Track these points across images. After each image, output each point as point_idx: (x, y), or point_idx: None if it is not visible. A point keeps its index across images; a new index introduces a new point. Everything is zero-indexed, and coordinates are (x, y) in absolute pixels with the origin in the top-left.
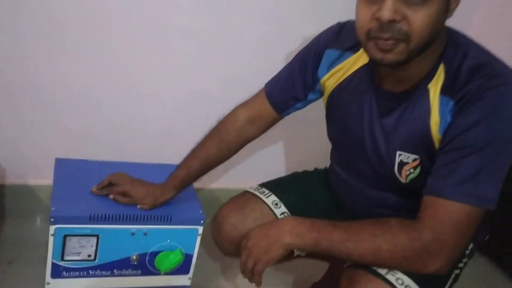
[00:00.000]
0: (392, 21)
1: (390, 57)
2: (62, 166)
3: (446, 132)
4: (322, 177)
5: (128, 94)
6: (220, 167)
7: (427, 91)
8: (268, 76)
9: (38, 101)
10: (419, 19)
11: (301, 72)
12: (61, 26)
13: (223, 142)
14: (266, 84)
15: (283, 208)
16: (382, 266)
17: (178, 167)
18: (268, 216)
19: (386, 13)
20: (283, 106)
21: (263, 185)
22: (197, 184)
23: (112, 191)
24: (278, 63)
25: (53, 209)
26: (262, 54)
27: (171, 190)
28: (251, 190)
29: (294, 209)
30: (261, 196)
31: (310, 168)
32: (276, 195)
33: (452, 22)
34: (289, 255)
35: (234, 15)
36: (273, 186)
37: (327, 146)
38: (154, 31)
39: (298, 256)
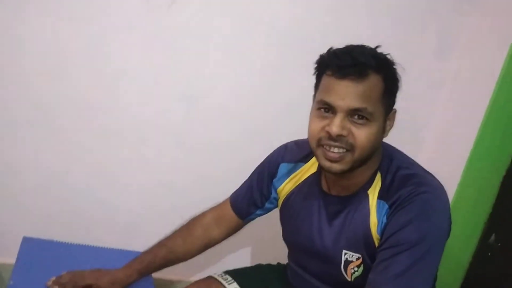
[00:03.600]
0: (340, 136)
1: (337, 166)
2: (29, 244)
3: (382, 232)
4: (282, 272)
5: (102, 181)
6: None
7: (367, 196)
8: (235, 174)
9: (9, 181)
10: (362, 134)
11: (258, 184)
12: (53, 115)
13: (189, 236)
14: (231, 195)
15: None
16: None
17: (144, 252)
18: None
19: (335, 129)
20: (245, 213)
21: (227, 272)
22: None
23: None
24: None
25: (11, 283)
26: (233, 155)
27: (134, 274)
28: (215, 276)
29: None
30: (224, 282)
31: (274, 262)
32: (239, 283)
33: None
34: None
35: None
36: (236, 274)
37: None
38: (132, 126)
39: None
